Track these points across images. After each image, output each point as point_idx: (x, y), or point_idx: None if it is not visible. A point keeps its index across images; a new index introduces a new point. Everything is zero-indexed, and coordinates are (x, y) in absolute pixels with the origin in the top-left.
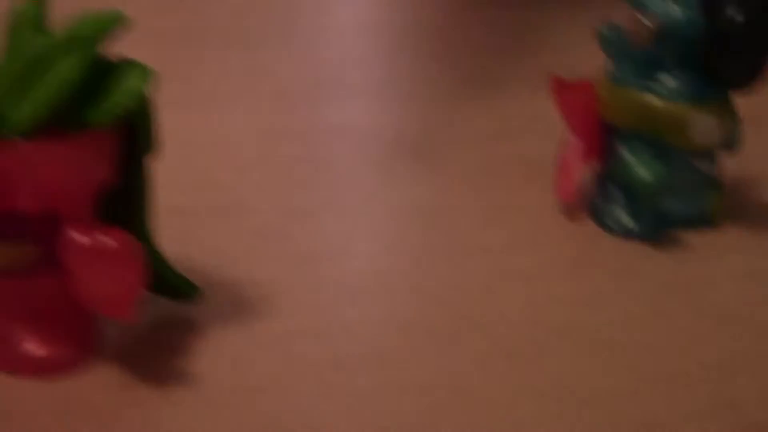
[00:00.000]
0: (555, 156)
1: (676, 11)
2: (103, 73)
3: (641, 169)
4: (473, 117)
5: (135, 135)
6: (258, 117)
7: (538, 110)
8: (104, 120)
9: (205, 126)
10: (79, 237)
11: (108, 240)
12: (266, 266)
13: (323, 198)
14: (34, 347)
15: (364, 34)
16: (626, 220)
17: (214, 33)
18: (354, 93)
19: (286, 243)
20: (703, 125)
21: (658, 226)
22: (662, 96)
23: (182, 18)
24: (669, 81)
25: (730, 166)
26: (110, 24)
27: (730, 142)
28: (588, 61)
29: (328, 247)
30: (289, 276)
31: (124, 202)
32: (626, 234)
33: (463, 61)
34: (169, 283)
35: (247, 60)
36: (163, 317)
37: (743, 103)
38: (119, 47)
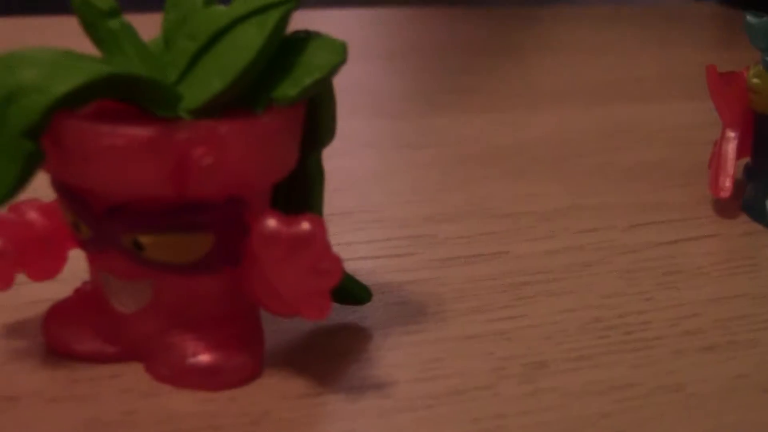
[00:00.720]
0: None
1: None
2: (288, 47)
3: None
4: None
5: (317, 120)
6: None
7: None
8: (294, 97)
9: None
10: (274, 224)
11: (308, 226)
12: (417, 267)
13: (457, 201)
14: (204, 356)
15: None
16: None
17: None
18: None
19: (437, 246)
20: None
21: None
22: None
23: None
24: None
25: None
26: None
27: None
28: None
29: (481, 248)
30: (447, 274)
31: (299, 194)
32: None
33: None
34: (341, 286)
35: None
36: (333, 322)
37: None
38: None
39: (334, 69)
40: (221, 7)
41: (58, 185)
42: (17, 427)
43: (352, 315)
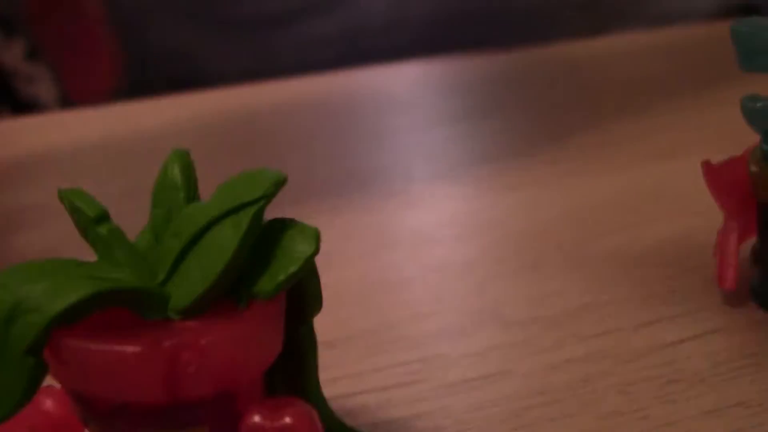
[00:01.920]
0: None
1: None
2: (265, 239)
3: None
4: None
5: (303, 297)
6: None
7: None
8: (272, 292)
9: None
10: (259, 419)
11: (290, 420)
12: (425, 397)
13: (469, 312)
14: None
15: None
16: None
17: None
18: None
19: (450, 369)
20: None
21: None
22: None
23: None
24: None
25: None
26: (272, 186)
27: None
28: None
29: (489, 367)
30: (451, 403)
31: (295, 366)
32: None
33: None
34: None
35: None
36: None
37: None
38: None
39: (308, 260)
40: (201, 204)
41: (66, 389)
42: None
43: None
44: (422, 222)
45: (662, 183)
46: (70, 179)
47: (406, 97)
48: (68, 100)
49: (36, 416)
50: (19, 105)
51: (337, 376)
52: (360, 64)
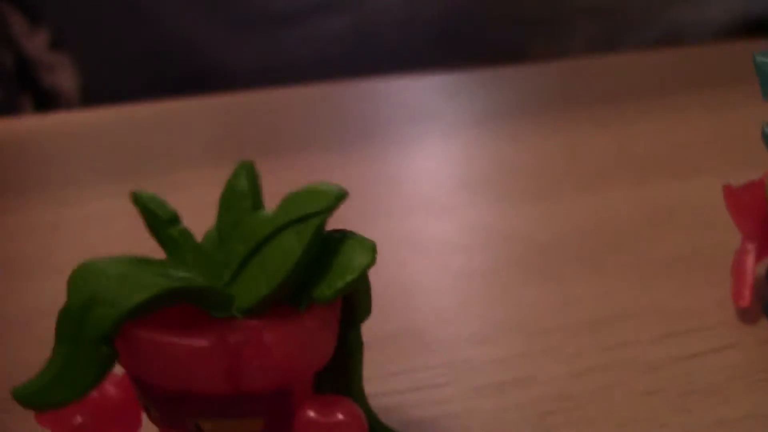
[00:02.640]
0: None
1: None
2: (326, 248)
3: None
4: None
5: (355, 303)
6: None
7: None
8: (331, 297)
9: None
10: (313, 414)
11: (342, 416)
12: (453, 399)
13: (495, 320)
14: None
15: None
16: None
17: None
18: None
19: (473, 374)
20: None
21: None
22: None
23: None
24: None
25: None
26: (334, 200)
27: None
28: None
29: (513, 373)
30: (478, 408)
31: (341, 366)
32: None
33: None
34: None
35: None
36: None
37: None
38: None
39: (365, 270)
40: (267, 213)
41: (131, 375)
42: None
43: None
44: (446, 230)
45: (680, 199)
46: (86, 178)
47: (428, 105)
48: (89, 92)
49: (98, 399)
50: (41, 94)
51: (370, 376)
52: (370, 61)
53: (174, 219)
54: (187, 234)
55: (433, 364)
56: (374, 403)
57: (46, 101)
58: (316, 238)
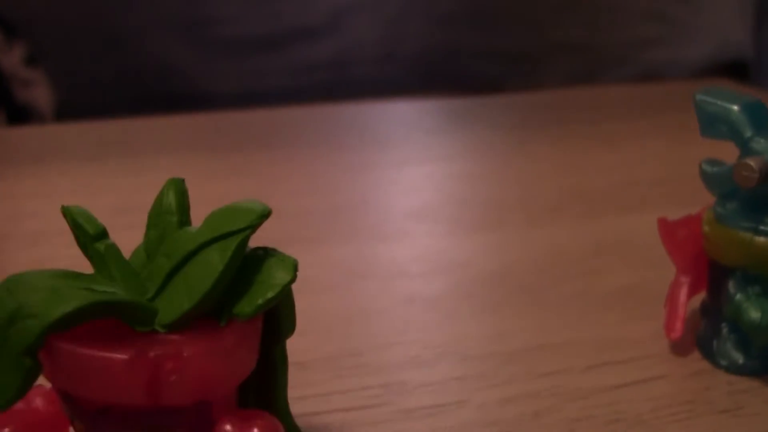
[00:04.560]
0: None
1: None
2: (248, 265)
3: (750, 308)
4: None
5: (278, 319)
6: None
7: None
8: (251, 313)
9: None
10: (231, 430)
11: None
12: (387, 423)
13: (432, 345)
14: None
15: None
16: (736, 355)
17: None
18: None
19: (404, 397)
20: None
21: None
22: None
23: None
24: None
25: None
26: (257, 218)
27: None
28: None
29: (446, 397)
30: (409, 428)
31: (266, 382)
32: (737, 371)
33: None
34: None
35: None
36: None
37: None
38: None
39: (286, 287)
40: (192, 229)
41: (56, 388)
42: None
43: None
44: (395, 256)
45: (627, 233)
46: (64, 192)
47: (390, 133)
48: (64, 108)
49: (26, 412)
50: (16, 109)
51: (305, 395)
52: (348, 91)
53: (101, 234)
54: (114, 249)
55: (368, 386)
56: (305, 421)
57: (21, 116)
58: (237, 255)
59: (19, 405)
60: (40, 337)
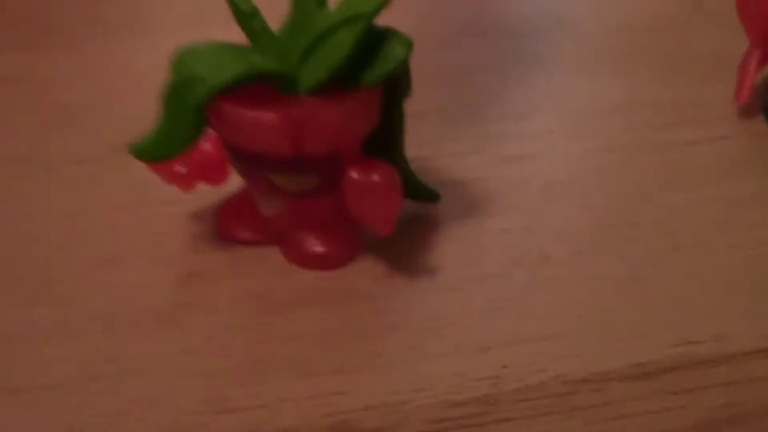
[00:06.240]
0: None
1: None
2: (371, 41)
3: None
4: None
5: (396, 85)
6: None
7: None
8: (374, 81)
9: None
10: (355, 175)
11: (377, 177)
12: (487, 167)
13: (532, 100)
14: (318, 247)
15: None
16: None
17: None
18: None
19: (502, 145)
20: None
21: None
22: None
23: None
24: None
25: None
26: (380, 3)
27: None
28: None
29: (534, 149)
30: (502, 175)
31: (386, 136)
32: None
33: None
34: (416, 190)
35: None
36: (409, 216)
37: None
38: None
39: (404, 59)
40: (328, 12)
41: (219, 136)
42: (199, 296)
43: (423, 210)
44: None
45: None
46: None
47: None
48: None
49: (196, 152)
50: None
51: (421, 141)
52: None
53: (254, 13)
54: (265, 26)
55: (467, 135)
56: (420, 165)
57: None
58: (364, 34)
59: (191, 149)
60: (207, 98)
